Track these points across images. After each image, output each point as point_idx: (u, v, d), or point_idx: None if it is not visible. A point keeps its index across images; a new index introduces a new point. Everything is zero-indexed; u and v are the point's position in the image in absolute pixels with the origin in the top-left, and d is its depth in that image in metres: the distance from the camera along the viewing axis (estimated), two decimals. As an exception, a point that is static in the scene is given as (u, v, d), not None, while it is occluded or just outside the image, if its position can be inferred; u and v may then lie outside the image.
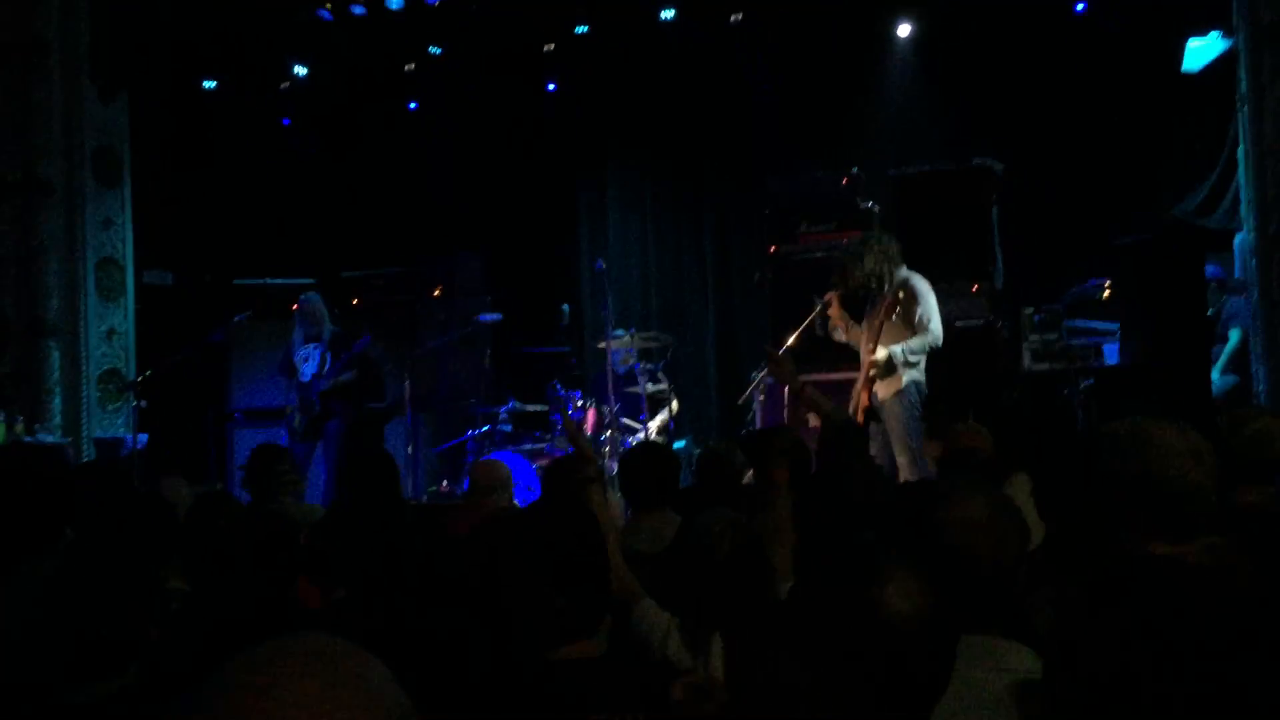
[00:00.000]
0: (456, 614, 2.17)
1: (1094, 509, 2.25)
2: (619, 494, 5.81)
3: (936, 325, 6.41)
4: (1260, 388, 6.63)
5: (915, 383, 6.40)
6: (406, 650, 1.84)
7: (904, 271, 6.52)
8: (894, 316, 6.33)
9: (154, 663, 1.98)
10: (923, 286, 6.47)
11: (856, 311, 6.92)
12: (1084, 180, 8.99)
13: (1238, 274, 7.68)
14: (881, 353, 6.30)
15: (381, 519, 2.55)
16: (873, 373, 6.35)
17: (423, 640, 1.99)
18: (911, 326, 6.37)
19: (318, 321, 8.28)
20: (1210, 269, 7.61)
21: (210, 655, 1.08)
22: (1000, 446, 3.99)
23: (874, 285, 6.45)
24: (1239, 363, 7.46)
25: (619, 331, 8.31)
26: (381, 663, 1.01)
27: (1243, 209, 6.92)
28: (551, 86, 10.56)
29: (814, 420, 7.44)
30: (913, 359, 6.36)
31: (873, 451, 6.43)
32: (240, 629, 2.11)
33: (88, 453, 8.41)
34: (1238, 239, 7.57)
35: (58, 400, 8.44)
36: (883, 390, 6.40)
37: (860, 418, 6.44)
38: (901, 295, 6.33)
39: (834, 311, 6.81)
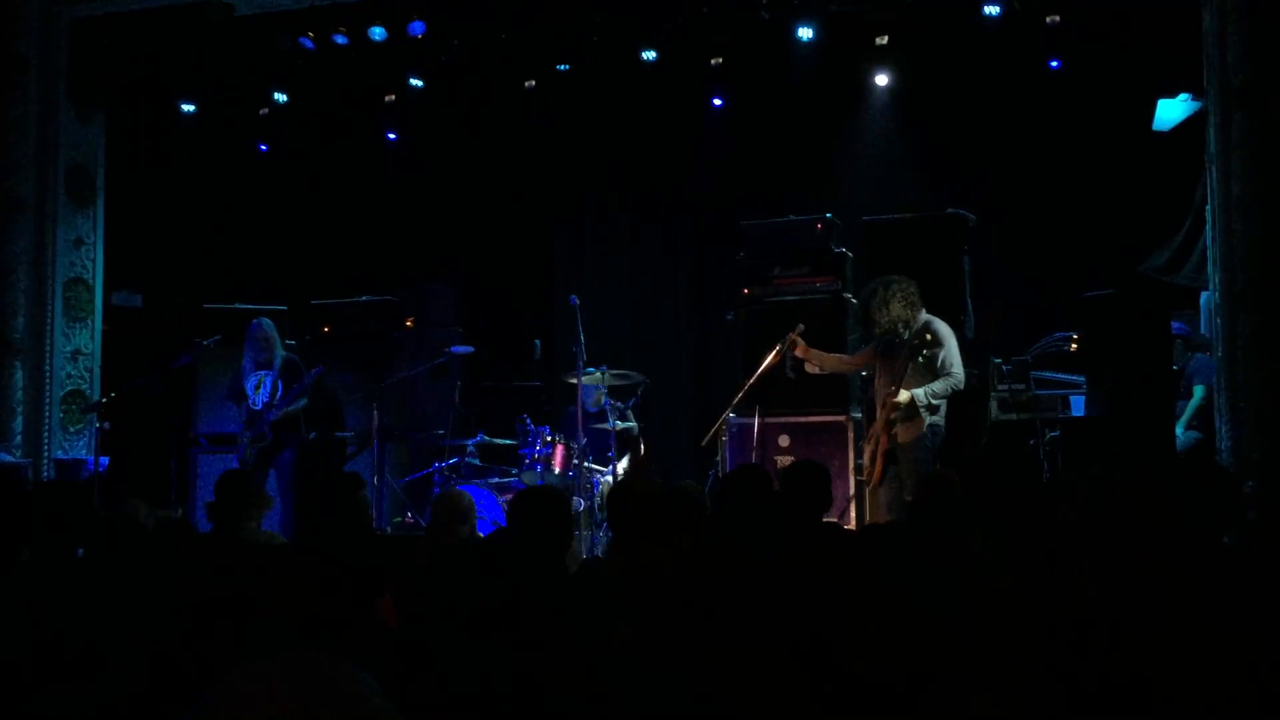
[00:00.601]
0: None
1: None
2: (587, 529, 5.80)
3: (959, 369, 6.44)
4: (1223, 444, 6.70)
5: (934, 426, 6.43)
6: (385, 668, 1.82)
7: (924, 315, 6.54)
8: (919, 359, 6.33)
9: (124, 680, 1.95)
10: (945, 330, 6.50)
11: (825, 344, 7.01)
12: (1054, 233, 9.13)
13: (1203, 331, 7.79)
14: (904, 395, 6.29)
15: (352, 539, 2.53)
16: (894, 415, 6.33)
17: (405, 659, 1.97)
18: (934, 371, 6.38)
19: (268, 348, 8.12)
20: (1176, 325, 7.71)
21: (177, 676, 1.07)
22: (969, 493, 4.01)
23: (900, 329, 6.43)
24: (1203, 419, 7.54)
25: (590, 369, 8.30)
26: (370, 675, 1.01)
27: (1209, 267, 7.02)
28: (531, 122, 10.60)
29: (782, 460, 7.48)
30: (935, 402, 6.37)
31: (887, 498, 6.43)
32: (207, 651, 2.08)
33: (48, 474, 8.30)
34: (1204, 296, 7.68)
35: (19, 420, 8.34)
36: (903, 434, 6.39)
37: (880, 461, 6.41)
38: (926, 339, 6.34)
39: (801, 350, 6.84)
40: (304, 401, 8.05)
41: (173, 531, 3.32)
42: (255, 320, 8.24)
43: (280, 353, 8.14)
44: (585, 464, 7.98)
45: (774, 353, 7.38)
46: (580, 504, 7.64)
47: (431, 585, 2.22)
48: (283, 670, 0.97)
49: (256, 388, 8.07)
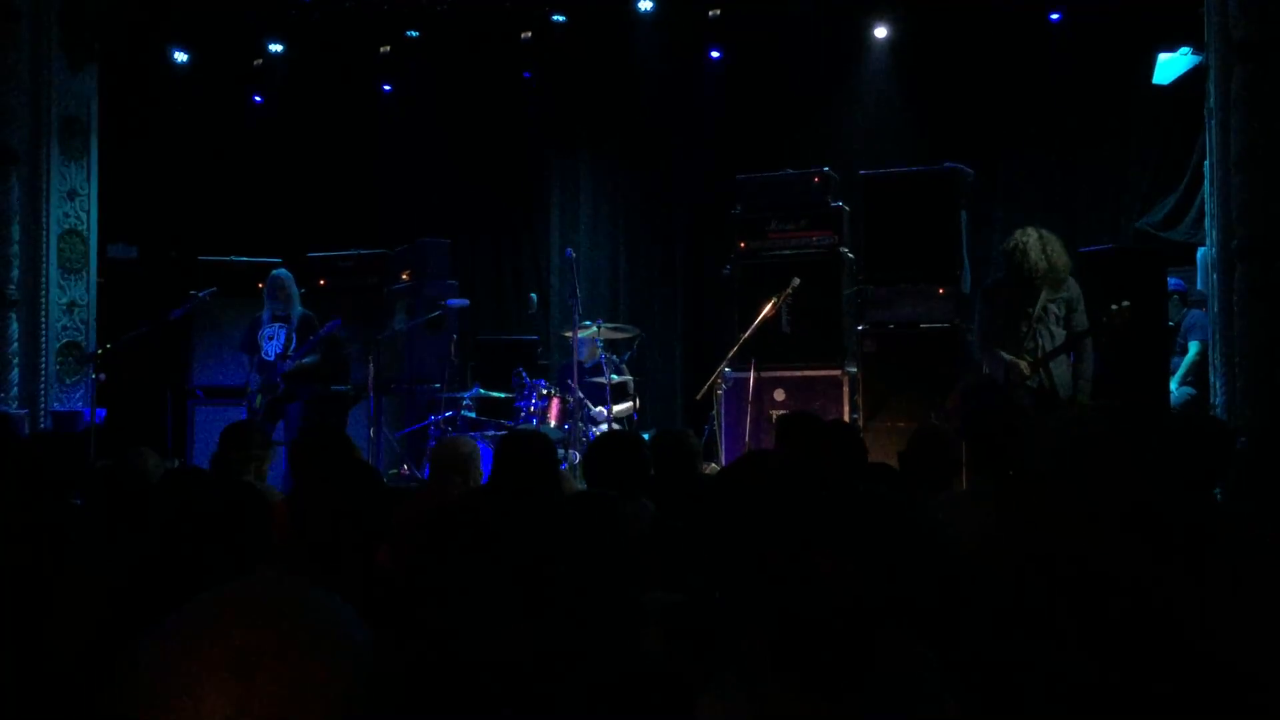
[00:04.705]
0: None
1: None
2: (581, 482, 5.82)
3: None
4: (1217, 400, 6.72)
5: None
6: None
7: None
8: (1073, 312, 6.17)
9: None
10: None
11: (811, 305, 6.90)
12: (1052, 188, 9.11)
13: (1199, 287, 7.79)
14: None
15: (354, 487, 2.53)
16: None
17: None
18: (1071, 327, 6.20)
19: (287, 300, 8.15)
20: (1172, 281, 7.71)
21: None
22: (967, 447, 4.02)
23: (1050, 279, 6.13)
24: (1198, 375, 7.55)
25: (586, 322, 8.30)
26: (345, 602, 1.01)
27: (1206, 222, 7.00)
28: (527, 74, 10.54)
29: (777, 414, 7.50)
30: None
31: None
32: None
33: (46, 425, 8.31)
34: (1200, 252, 7.67)
35: (16, 372, 8.34)
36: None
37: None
38: (1070, 299, 6.20)
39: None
40: (317, 356, 8.07)
41: (181, 477, 3.34)
42: (275, 272, 8.24)
43: (298, 307, 8.16)
44: (581, 417, 7.99)
45: (770, 306, 7.38)
46: (576, 456, 7.67)
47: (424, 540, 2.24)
48: (252, 591, 0.98)
49: (270, 338, 8.09)
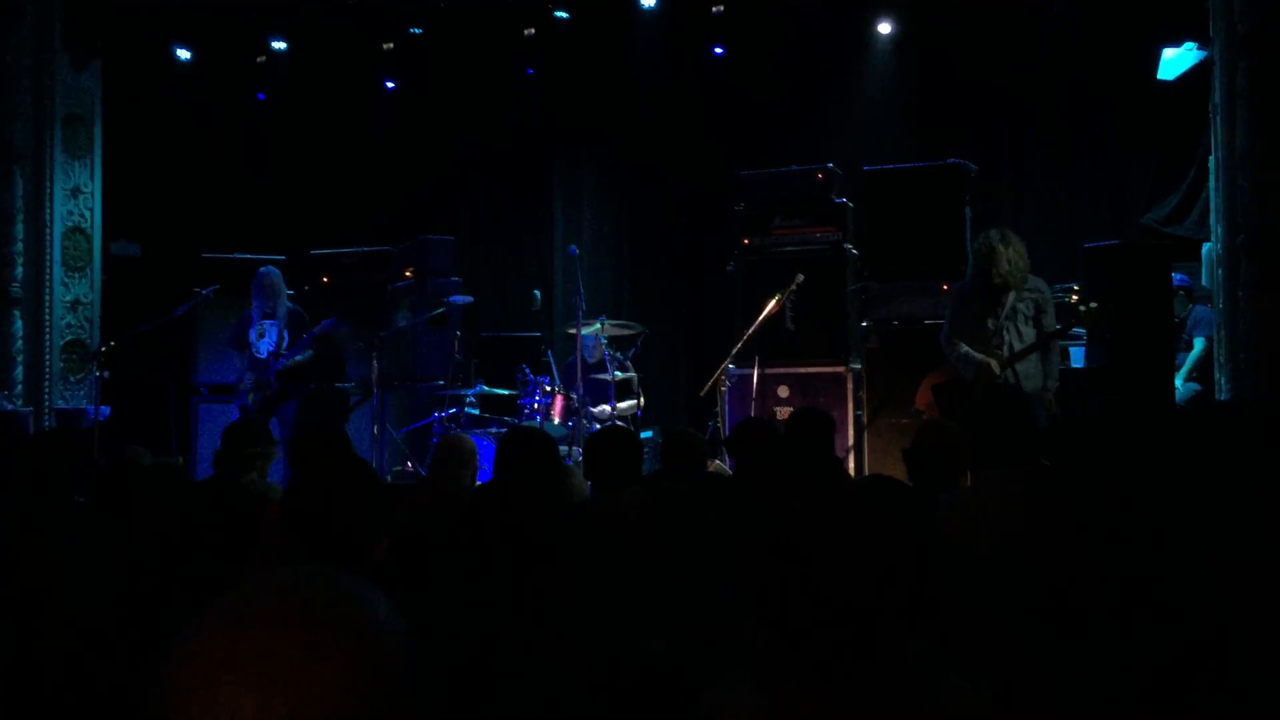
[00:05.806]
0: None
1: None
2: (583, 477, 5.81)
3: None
4: (1222, 396, 6.70)
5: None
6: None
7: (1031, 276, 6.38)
8: (1042, 316, 6.24)
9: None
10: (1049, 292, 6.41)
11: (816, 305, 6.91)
12: (1056, 184, 9.09)
13: (1205, 282, 7.77)
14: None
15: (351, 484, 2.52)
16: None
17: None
18: (1040, 326, 6.25)
19: (275, 296, 8.12)
20: (1178, 277, 7.68)
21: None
22: (971, 443, 4.00)
23: (1017, 281, 6.20)
24: (1203, 371, 7.54)
25: (590, 319, 8.29)
26: (380, 590, 1.00)
27: (1211, 218, 6.98)
28: (530, 71, 10.53)
29: (782, 412, 7.49)
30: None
31: None
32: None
33: (50, 423, 8.32)
34: (1205, 248, 7.65)
35: (20, 370, 8.35)
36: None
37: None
38: (1039, 299, 6.27)
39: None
40: (310, 352, 8.06)
41: (165, 474, 3.33)
42: (263, 268, 8.23)
43: (285, 303, 8.15)
44: (584, 414, 7.98)
45: (773, 302, 7.37)
46: (579, 454, 7.66)
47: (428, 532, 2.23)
48: (274, 586, 0.96)
49: (260, 336, 8.07)
